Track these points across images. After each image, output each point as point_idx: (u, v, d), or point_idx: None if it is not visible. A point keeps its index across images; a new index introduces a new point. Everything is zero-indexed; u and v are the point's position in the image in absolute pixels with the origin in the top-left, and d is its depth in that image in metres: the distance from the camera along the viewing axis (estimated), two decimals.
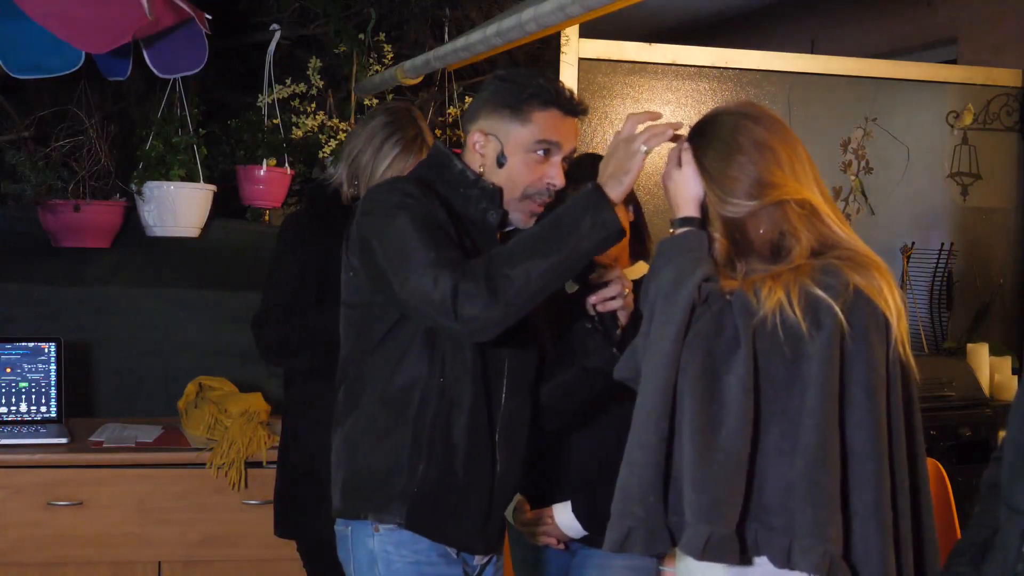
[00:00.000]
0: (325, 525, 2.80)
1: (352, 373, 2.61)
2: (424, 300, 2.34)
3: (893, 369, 2.21)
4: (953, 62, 6.24)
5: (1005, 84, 5.38)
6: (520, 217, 2.59)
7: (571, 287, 2.84)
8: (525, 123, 2.54)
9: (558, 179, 2.56)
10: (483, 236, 2.56)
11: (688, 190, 2.32)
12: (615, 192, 2.38)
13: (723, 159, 2.28)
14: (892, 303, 2.21)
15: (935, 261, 5.25)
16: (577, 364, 2.75)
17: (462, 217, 2.55)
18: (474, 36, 3.43)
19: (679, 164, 2.34)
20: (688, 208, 2.31)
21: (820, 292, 2.16)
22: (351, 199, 3.34)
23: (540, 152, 2.55)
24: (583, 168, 2.75)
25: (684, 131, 2.40)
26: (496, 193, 2.56)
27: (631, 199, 2.97)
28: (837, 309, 2.15)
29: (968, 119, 5.30)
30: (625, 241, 2.95)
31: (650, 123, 2.42)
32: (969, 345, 5.04)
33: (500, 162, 2.56)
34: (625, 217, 2.50)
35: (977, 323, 5.28)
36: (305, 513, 3.35)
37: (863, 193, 5.20)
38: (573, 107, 2.58)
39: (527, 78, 2.58)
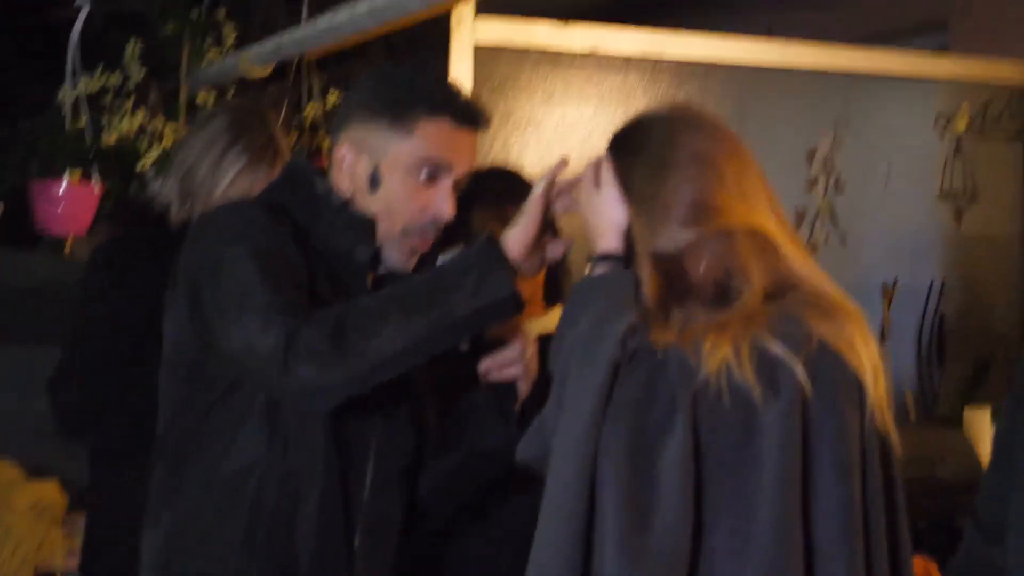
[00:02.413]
0: None
1: (172, 451, 2.58)
2: (249, 350, 2.32)
3: (869, 444, 2.23)
4: (942, 51, 6.34)
5: (1007, 80, 5.45)
6: (397, 255, 2.58)
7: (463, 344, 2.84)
8: (407, 136, 2.54)
9: (446, 209, 2.56)
10: (350, 277, 2.55)
11: (608, 217, 2.32)
12: (510, 241, 2.39)
13: (653, 177, 2.28)
14: (867, 359, 2.23)
15: (923, 303, 5.31)
16: (466, 445, 2.75)
17: (324, 253, 2.54)
18: (340, 16, 3.43)
19: (597, 184, 2.34)
20: (609, 240, 2.31)
21: (777, 347, 2.16)
22: (182, 224, 3.31)
23: (424, 174, 2.54)
24: (486, 186, 2.75)
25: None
26: (368, 224, 2.55)
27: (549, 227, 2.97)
28: (798, 368, 2.15)
29: (962, 124, 5.37)
30: (540, 278, 2.96)
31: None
32: (967, 410, 5.09)
33: (374, 184, 2.55)
34: (534, 260, 2.48)
35: (976, 382, 5.33)
36: None
37: (832, 217, 5.25)
38: (470, 116, 2.58)
39: (411, 77, 2.58)
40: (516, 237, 2.41)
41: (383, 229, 2.57)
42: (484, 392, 2.68)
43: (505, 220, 2.52)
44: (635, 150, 2.33)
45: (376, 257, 2.59)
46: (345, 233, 2.56)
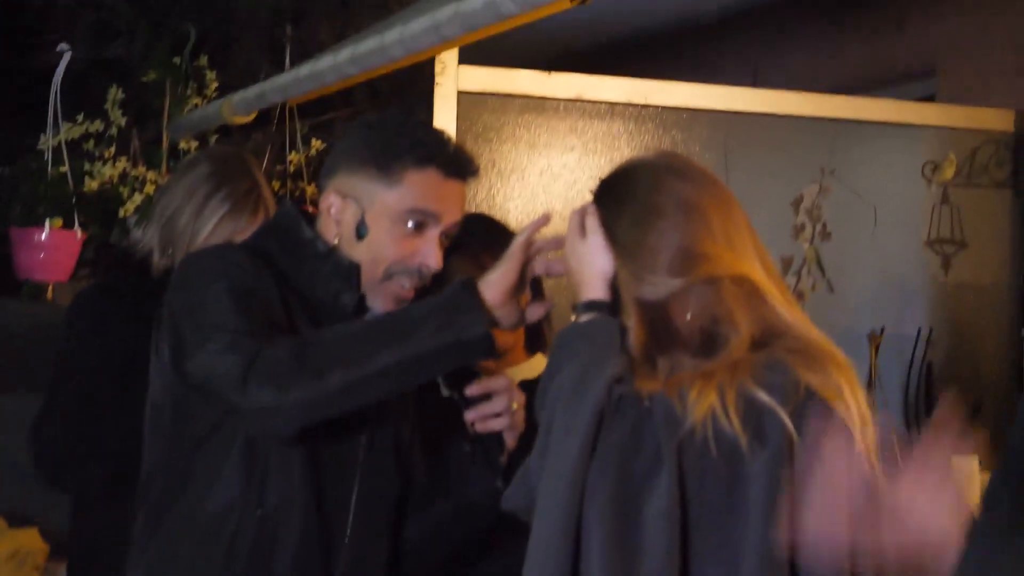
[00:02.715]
0: None
1: (156, 495, 2.58)
2: (211, 370, 2.35)
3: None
4: (931, 99, 6.36)
5: (994, 128, 5.47)
6: (381, 302, 2.59)
7: (444, 390, 2.84)
8: (394, 185, 2.55)
9: (433, 259, 2.57)
10: (333, 324, 2.56)
11: (594, 265, 2.33)
12: (489, 285, 2.41)
13: (639, 225, 2.30)
14: (855, 407, 2.23)
15: (910, 351, 5.32)
16: (451, 498, 2.74)
17: (308, 300, 2.55)
18: (323, 62, 3.44)
19: (582, 232, 2.36)
20: (595, 288, 2.32)
21: (763, 395, 2.18)
22: (163, 271, 3.32)
23: (411, 224, 2.56)
24: (464, 233, 2.75)
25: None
26: (352, 271, 2.57)
27: (535, 285, 2.96)
28: (785, 417, 2.16)
29: (949, 172, 5.39)
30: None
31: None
32: (954, 459, 5.09)
33: (360, 233, 2.56)
34: (512, 312, 2.47)
35: (964, 431, 5.33)
36: None
37: (819, 265, 5.27)
38: (459, 167, 2.60)
39: (400, 126, 2.59)
40: (493, 281, 2.42)
41: (367, 276, 2.58)
42: (471, 442, 2.67)
43: (483, 268, 2.53)
44: (621, 198, 2.35)
45: (361, 304, 2.60)
46: (330, 280, 2.57)
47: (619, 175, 2.40)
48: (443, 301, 2.39)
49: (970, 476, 5.00)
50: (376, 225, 2.56)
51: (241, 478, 2.50)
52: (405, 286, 2.59)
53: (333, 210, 2.59)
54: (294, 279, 2.55)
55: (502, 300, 2.42)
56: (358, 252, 2.58)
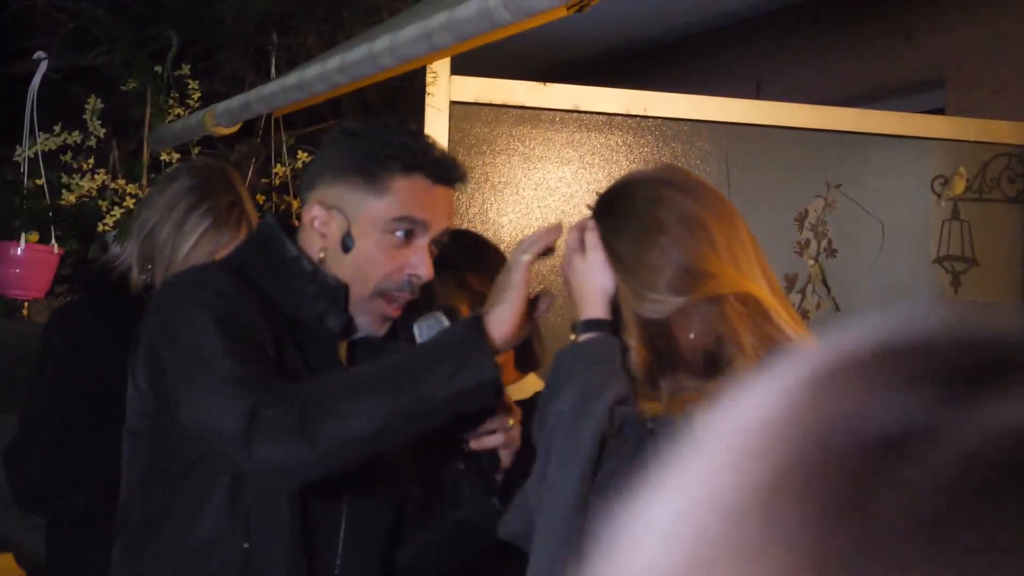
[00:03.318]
0: None
1: (135, 522, 2.57)
2: (210, 425, 2.33)
3: None
4: (940, 111, 6.37)
5: (1006, 141, 5.46)
6: (369, 320, 2.58)
7: None
8: (380, 194, 2.54)
9: (423, 269, 2.56)
10: (320, 346, 2.55)
11: (594, 283, 2.33)
12: (498, 322, 2.38)
13: (640, 242, 2.30)
14: None
15: None
16: (446, 517, 2.74)
17: (292, 321, 2.53)
18: (310, 71, 3.43)
19: (582, 249, 2.35)
20: (595, 307, 2.32)
21: None
22: (143, 288, 3.31)
23: (400, 233, 2.54)
24: (449, 251, 2.74)
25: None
26: (339, 291, 2.55)
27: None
28: None
29: (960, 186, 5.39)
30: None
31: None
32: None
33: (346, 245, 2.55)
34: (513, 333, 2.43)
35: None
36: None
37: (824, 283, 5.26)
38: (446, 173, 2.59)
39: (384, 133, 2.59)
40: (502, 317, 2.39)
41: (354, 294, 2.56)
42: (465, 460, 2.67)
43: (469, 290, 2.52)
44: (622, 213, 2.34)
45: (348, 325, 2.58)
46: (315, 301, 2.55)
47: (619, 190, 2.39)
48: (454, 345, 2.38)
49: None
50: (363, 236, 2.55)
51: (226, 511, 2.48)
52: (394, 301, 2.57)
53: (317, 222, 2.57)
54: (277, 299, 2.54)
55: (511, 340, 2.41)
56: (344, 267, 2.56)
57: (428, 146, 2.59)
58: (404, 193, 2.55)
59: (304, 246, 2.59)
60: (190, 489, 2.50)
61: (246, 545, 2.48)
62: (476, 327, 2.38)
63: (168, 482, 2.52)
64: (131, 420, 2.60)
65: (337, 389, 2.35)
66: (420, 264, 2.56)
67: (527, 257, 2.42)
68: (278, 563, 2.50)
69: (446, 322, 2.60)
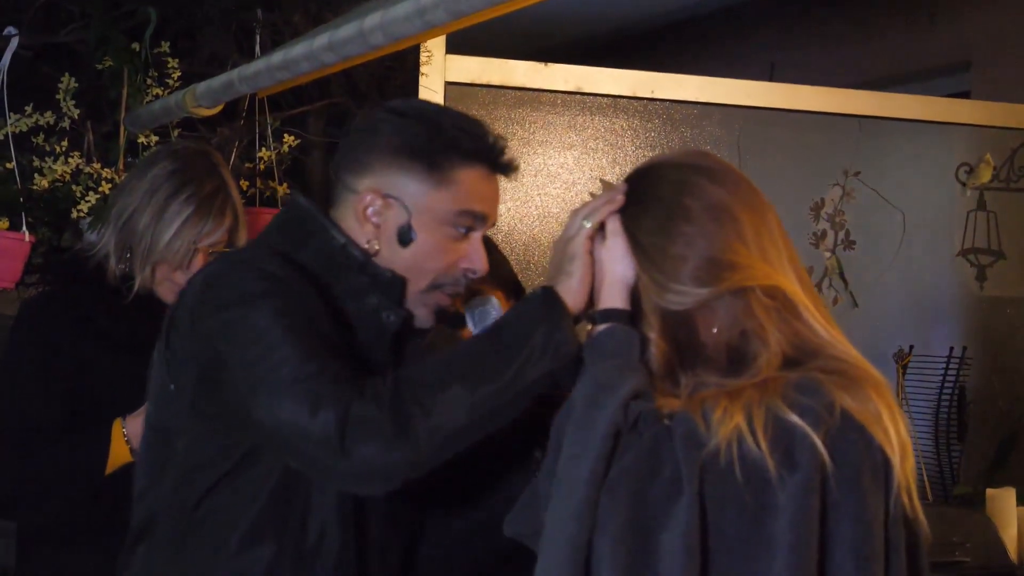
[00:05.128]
0: None
1: (169, 524, 2.54)
2: (296, 430, 2.29)
3: (894, 530, 2.22)
4: (965, 95, 6.38)
5: None
6: (425, 313, 2.58)
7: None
8: (445, 185, 2.53)
9: (480, 263, 2.57)
10: (374, 340, 2.54)
11: (613, 272, 2.34)
12: (570, 293, 2.37)
13: (663, 230, 2.30)
14: (895, 435, 2.22)
15: (941, 373, 5.32)
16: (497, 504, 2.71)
17: (341, 312, 2.50)
18: (296, 50, 3.41)
19: (602, 236, 2.36)
20: (613, 297, 2.33)
21: (794, 418, 2.16)
22: (120, 278, 3.30)
23: (462, 228, 2.54)
24: None
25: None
26: (397, 285, 2.54)
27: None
28: (818, 442, 2.15)
29: (986, 175, 5.39)
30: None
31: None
32: (989, 491, 5.07)
33: (404, 239, 2.53)
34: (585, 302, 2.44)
35: (1000, 460, 5.33)
36: None
37: (842, 277, 5.27)
38: (505, 162, 2.58)
39: (437, 115, 2.57)
40: (573, 287, 2.37)
41: (410, 288, 2.55)
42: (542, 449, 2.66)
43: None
44: (644, 200, 2.34)
45: (407, 320, 2.57)
46: (368, 294, 2.54)
47: (643, 174, 2.39)
48: (538, 315, 2.36)
49: (1007, 509, 4.99)
50: (424, 230, 2.53)
51: (277, 513, 2.48)
52: (448, 293, 2.58)
53: (371, 211, 2.53)
54: (327, 290, 2.51)
55: (585, 303, 2.39)
56: (400, 259, 2.54)
57: (485, 132, 2.59)
58: (467, 184, 2.53)
59: (349, 233, 2.56)
60: (234, 494, 2.48)
61: (301, 548, 2.49)
62: (553, 301, 2.36)
63: (208, 486, 2.49)
64: (162, 418, 2.57)
65: (426, 382, 2.32)
66: (477, 258, 2.57)
67: (588, 225, 2.39)
68: (327, 563, 2.51)
69: (497, 303, 2.65)
